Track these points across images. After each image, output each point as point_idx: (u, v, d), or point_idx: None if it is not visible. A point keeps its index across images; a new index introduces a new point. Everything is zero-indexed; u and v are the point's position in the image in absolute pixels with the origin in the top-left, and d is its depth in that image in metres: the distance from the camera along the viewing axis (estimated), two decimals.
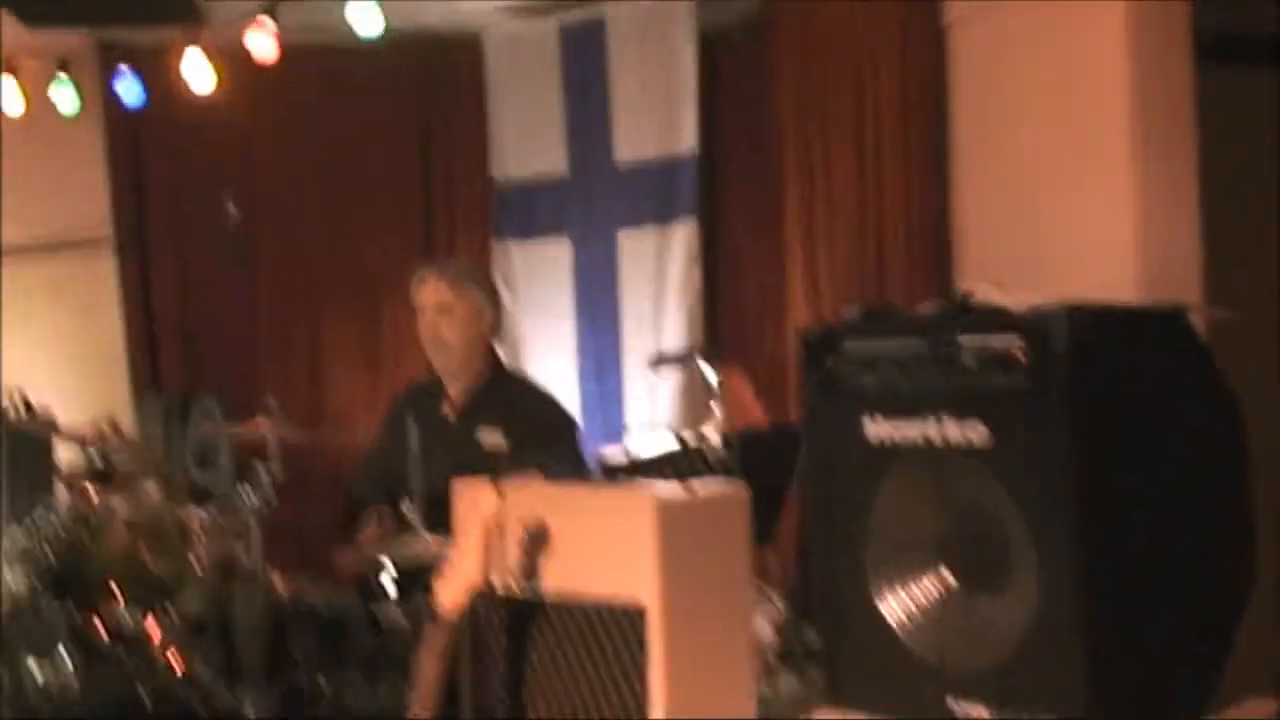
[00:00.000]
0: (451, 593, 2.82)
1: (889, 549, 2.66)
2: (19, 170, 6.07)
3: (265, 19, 4.92)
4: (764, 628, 4.49)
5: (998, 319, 2.54)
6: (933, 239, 4.22)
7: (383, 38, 5.12)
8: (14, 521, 4.54)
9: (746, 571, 2.97)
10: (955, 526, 2.56)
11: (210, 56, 5.47)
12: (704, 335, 5.52)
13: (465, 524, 2.85)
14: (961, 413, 2.52)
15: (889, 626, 2.65)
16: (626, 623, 2.79)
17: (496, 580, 2.97)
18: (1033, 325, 2.47)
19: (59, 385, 5.92)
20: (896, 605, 2.64)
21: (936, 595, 2.58)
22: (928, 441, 2.58)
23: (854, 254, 4.62)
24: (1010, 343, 2.47)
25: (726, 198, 5.83)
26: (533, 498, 2.98)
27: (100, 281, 6.07)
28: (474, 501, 2.85)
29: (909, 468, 2.63)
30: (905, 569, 2.64)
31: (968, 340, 2.53)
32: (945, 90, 4.33)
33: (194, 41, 5.33)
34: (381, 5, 5.21)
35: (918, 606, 2.62)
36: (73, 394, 5.89)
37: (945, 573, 2.58)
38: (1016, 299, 2.62)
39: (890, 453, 2.65)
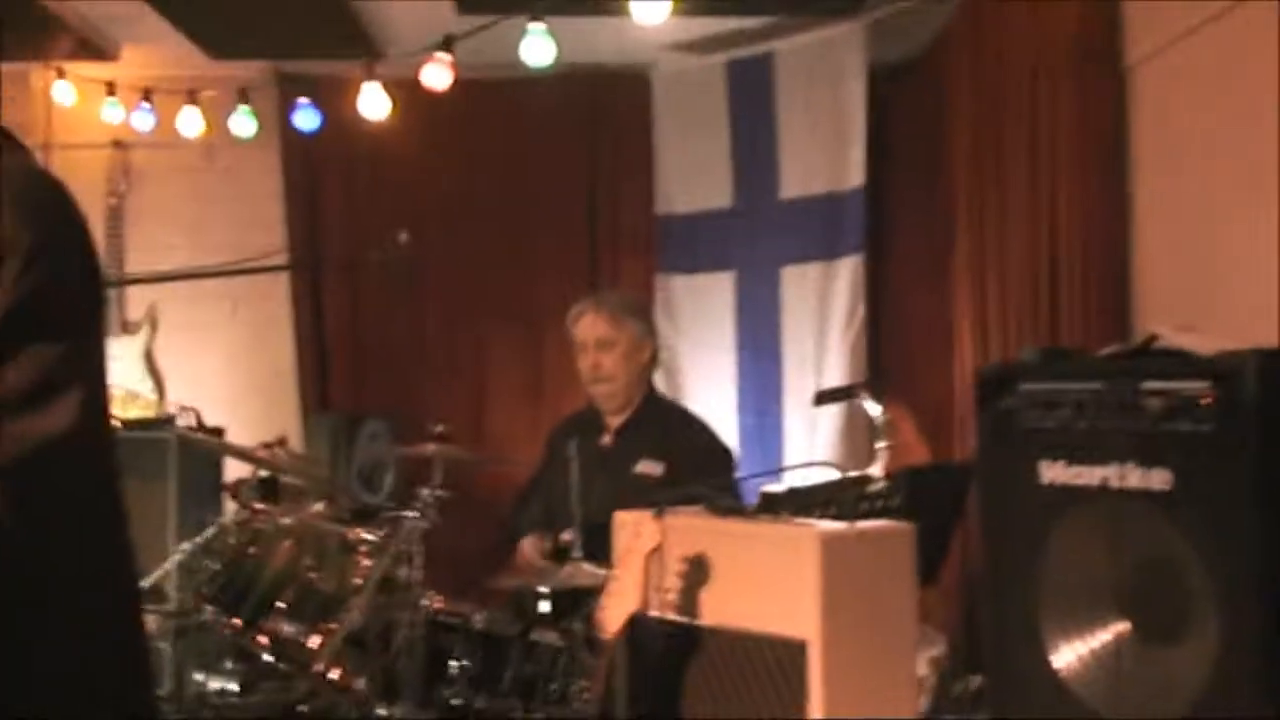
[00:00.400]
0: (611, 618, 2.82)
1: (1062, 595, 2.57)
2: (200, 195, 6.31)
3: (441, 54, 5.01)
4: (923, 670, 4.41)
5: (1184, 363, 2.45)
6: (1110, 280, 4.09)
7: (552, 69, 5.18)
8: (183, 535, 4.70)
9: (911, 610, 2.92)
10: (1133, 574, 2.47)
11: (385, 86, 5.59)
12: (867, 372, 5.45)
13: (627, 552, 2.85)
14: (1144, 458, 2.43)
15: (1060, 676, 2.55)
16: (787, 656, 2.77)
17: (656, 608, 2.98)
18: (1221, 370, 2.37)
19: (232, 403, 6.11)
20: (1069, 653, 2.55)
21: (1111, 645, 2.49)
22: (1106, 486, 2.50)
23: (1026, 293, 4.51)
24: (1198, 388, 2.38)
25: (893, 234, 5.77)
26: (694, 529, 2.98)
27: (274, 303, 6.25)
28: (637, 531, 2.85)
29: (1086, 512, 2.54)
30: (1079, 617, 2.55)
31: (1152, 385, 2.44)
32: (1125, 127, 4.21)
33: (371, 75, 5.46)
34: (554, 38, 5.29)
35: (1091, 656, 2.53)
36: (245, 412, 6.07)
37: (1121, 622, 2.48)
38: (1203, 343, 2.52)
39: (1067, 496, 2.57)
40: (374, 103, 5.50)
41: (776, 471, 5.09)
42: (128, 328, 6.20)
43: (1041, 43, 4.56)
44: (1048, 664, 2.58)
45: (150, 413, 5.94)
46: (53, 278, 1.47)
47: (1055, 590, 2.60)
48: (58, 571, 1.52)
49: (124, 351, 6.13)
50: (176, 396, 5.99)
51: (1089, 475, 2.54)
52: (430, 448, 3.69)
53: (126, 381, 6.12)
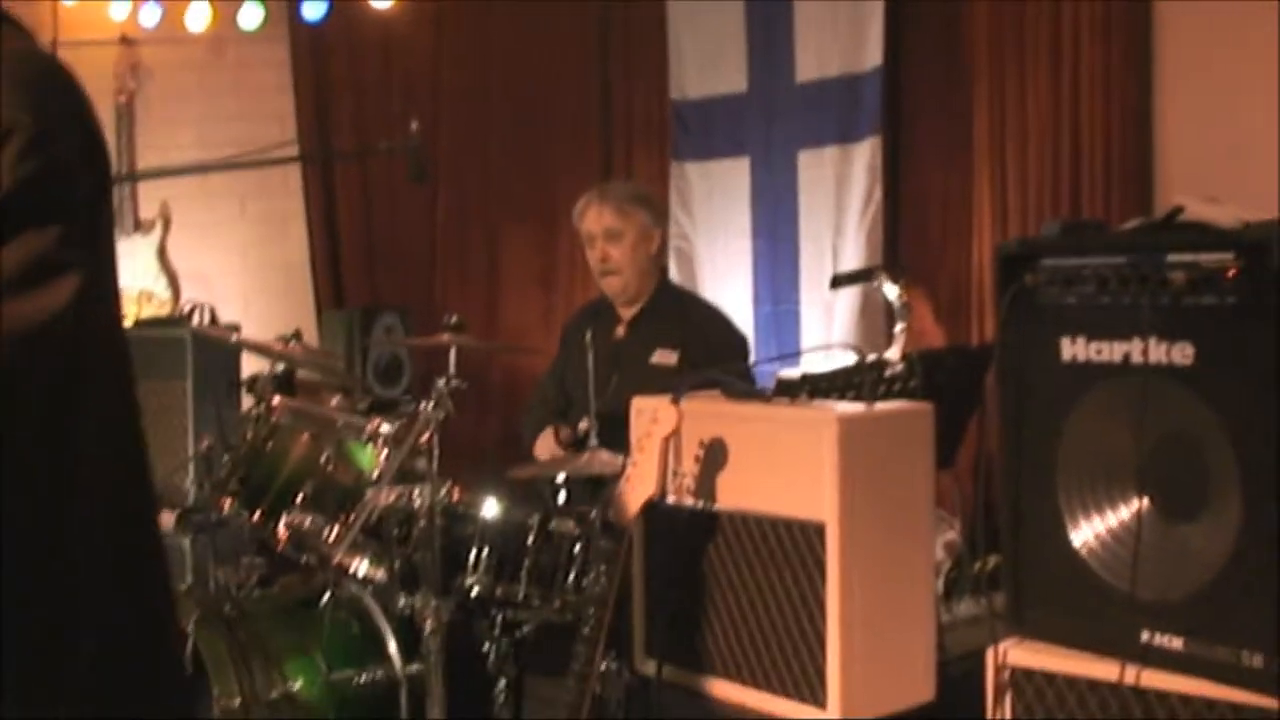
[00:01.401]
0: (628, 504, 2.81)
1: (1082, 474, 2.54)
2: (209, 91, 6.24)
3: None
4: (939, 554, 4.42)
5: (1208, 236, 2.39)
6: (1133, 154, 4.03)
7: None
8: (200, 432, 4.70)
9: (929, 491, 2.91)
10: (1154, 451, 2.43)
11: None
12: (884, 256, 5.38)
13: (644, 437, 2.83)
14: (1167, 332, 2.39)
15: (1079, 554, 2.54)
16: (804, 538, 2.76)
17: (673, 493, 2.97)
18: (1246, 242, 2.32)
19: (245, 300, 6.11)
20: (1088, 532, 2.53)
21: (1131, 522, 2.47)
22: (1128, 362, 2.45)
23: (1047, 171, 4.45)
24: (1222, 260, 2.32)
25: (911, 115, 5.65)
26: (710, 414, 2.96)
27: (286, 198, 6.20)
28: (654, 416, 2.83)
29: (1107, 389, 2.50)
30: (1099, 495, 2.52)
31: (1175, 258, 2.39)
32: (1149, 4, 4.12)
33: None
34: None
35: (1111, 534, 2.50)
36: (258, 308, 6.07)
37: (1142, 498, 2.46)
38: (1227, 215, 2.46)
39: (1088, 373, 2.53)
40: None
41: (792, 355, 5.08)
42: (140, 226, 6.17)
43: None
44: (1066, 542, 2.56)
45: (165, 311, 5.93)
46: (52, 161, 1.47)
47: (1074, 468, 2.57)
48: (46, 452, 1.53)
49: (137, 250, 6.10)
50: (190, 294, 5.97)
51: (1110, 351, 2.50)
52: (444, 338, 3.66)
53: (141, 280, 6.10)
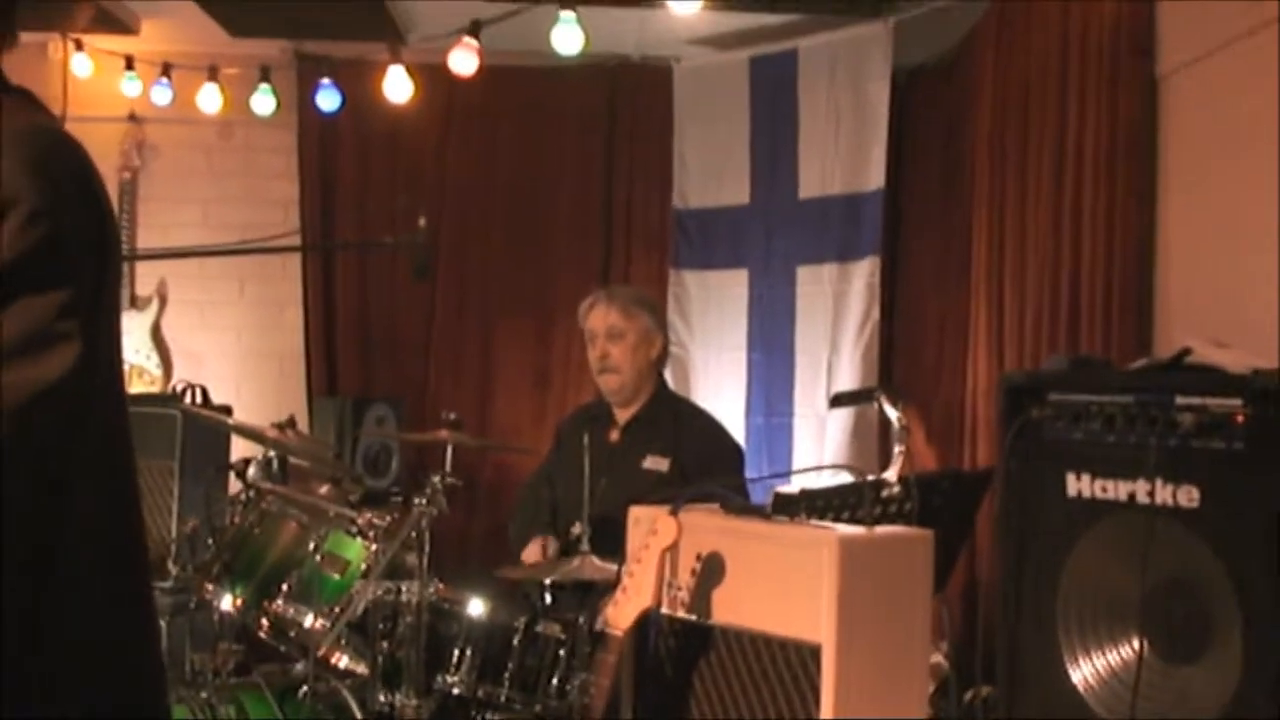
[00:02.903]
0: (623, 613, 2.78)
1: (1083, 609, 2.54)
2: (214, 173, 6.27)
3: (469, 39, 4.98)
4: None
5: (1217, 380, 2.42)
6: (1133, 290, 4.05)
7: (580, 57, 5.16)
8: (186, 513, 4.66)
9: (925, 617, 2.88)
10: (1156, 591, 2.43)
11: (408, 71, 5.56)
12: (879, 377, 5.41)
13: (643, 548, 2.81)
14: (1173, 474, 2.40)
15: (1078, 691, 2.52)
16: (799, 659, 2.72)
17: (667, 606, 2.94)
18: (1255, 389, 2.34)
19: (237, 383, 6.09)
20: (1088, 669, 2.52)
21: (1132, 661, 2.45)
22: (1134, 501, 2.46)
23: (1045, 302, 4.47)
24: (1231, 406, 2.34)
25: (911, 238, 5.72)
26: (708, 527, 2.94)
27: (284, 284, 6.20)
28: (654, 527, 2.81)
29: (1112, 526, 2.51)
30: (1100, 632, 2.52)
31: (1184, 400, 2.41)
32: (1155, 136, 4.17)
33: (396, 57, 5.43)
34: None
35: (1111, 672, 2.49)
36: (250, 392, 6.05)
37: (1143, 638, 2.45)
38: (1235, 360, 2.49)
39: (1093, 510, 2.53)
40: (398, 86, 5.47)
41: (788, 474, 5.07)
42: (137, 303, 6.17)
43: (1070, 49, 4.52)
44: (1065, 678, 2.55)
45: (156, 388, 5.91)
46: (54, 233, 1.50)
47: (1075, 604, 2.57)
48: (43, 522, 1.54)
49: (132, 326, 6.09)
50: (183, 374, 5.96)
51: (1116, 489, 2.51)
52: (442, 434, 3.65)
53: (134, 357, 6.08)
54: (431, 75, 5.64)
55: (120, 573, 1.73)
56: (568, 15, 4.81)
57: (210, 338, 6.23)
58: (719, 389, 5.80)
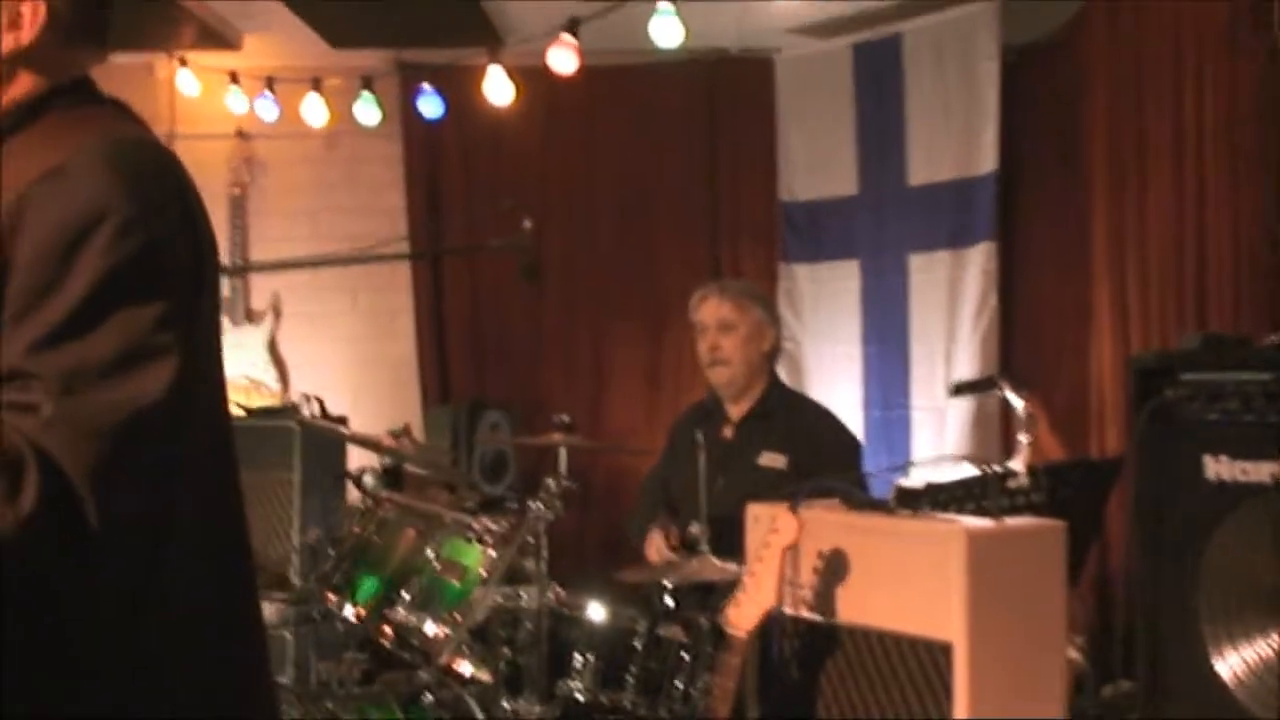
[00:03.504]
0: (745, 614, 2.72)
1: (1227, 598, 2.43)
2: (322, 185, 6.33)
3: (567, 36, 4.95)
4: None
5: None
6: (1263, 265, 3.89)
7: (681, 51, 5.11)
8: (306, 523, 4.69)
9: (1061, 611, 2.78)
10: None
11: (508, 74, 5.55)
12: (998, 364, 5.27)
13: (763, 547, 2.75)
14: None
15: (1224, 684, 2.41)
16: (930, 658, 2.64)
17: (790, 605, 2.87)
18: None
19: (353, 393, 6.13)
20: (1235, 660, 2.40)
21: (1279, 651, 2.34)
22: (1276, 482, 2.34)
23: (1170, 280, 4.32)
24: None
25: (1027, 220, 5.57)
26: (829, 523, 2.87)
27: (395, 293, 6.24)
28: (774, 525, 2.75)
29: (1252, 510, 2.40)
30: (1246, 621, 2.40)
31: None
32: (1277, 108, 4.00)
33: (496, 60, 5.42)
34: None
35: (1260, 663, 2.37)
36: (365, 402, 6.08)
37: None
38: None
39: (1231, 493, 2.42)
40: (499, 88, 5.46)
41: (907, 466, 4.96)
42: (251, 317, 6.24)
43: (1185, 20, 4.37)
44: (1210, 669, 2.44)
45: (274, 402, 5.97)
46: (147, 244, 1.48)
47: (1218, 592, 2.46)
48: (148, 539, 1.52)
49: (247, 341, 6.17)
50: (300, 386, 6.01)
51: (1256, 471, 2.39)
52: (555, 438, 3.62)
53: (251, 371, 6.16)
54: (532, 77, 5.62)
55: (227, 588, 1.73)
56: (665, 7, 4.75)
57: (325, 349, 6.29)
58: (834, 383, 5.71)
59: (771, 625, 2.84)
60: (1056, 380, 5.35)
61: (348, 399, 6.01)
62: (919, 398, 5.45)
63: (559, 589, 3.71)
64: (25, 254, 1.43)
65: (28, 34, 1.59)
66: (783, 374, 5.67)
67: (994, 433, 5.21)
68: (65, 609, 1.47)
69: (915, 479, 3.47)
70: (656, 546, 4.09)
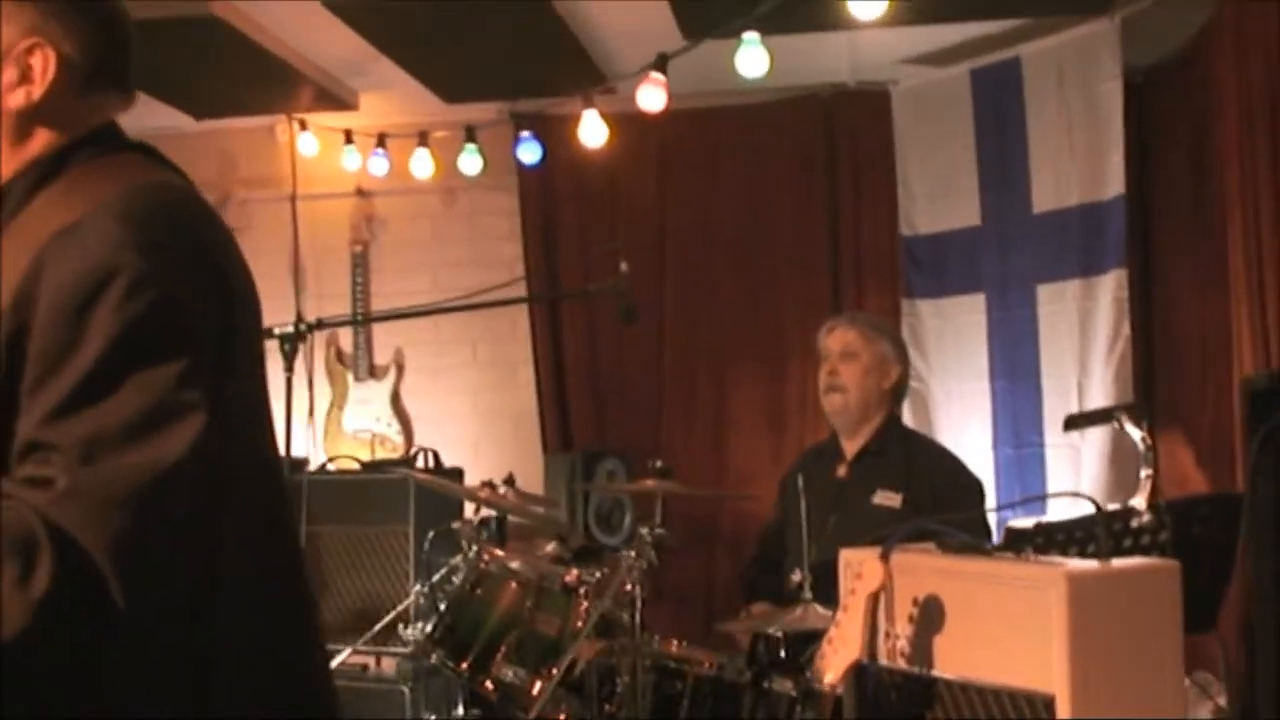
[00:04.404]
0: (833, 666, 2.57)
1: None
2: (441, 239, 6.37)
3: (656, 75, 4.89)
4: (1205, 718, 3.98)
5: None
6: None
7: (796, 88, 5.00)
8: (422, 577, 4.67)
9: (1177, 660, 2.57)
10: None
11: (620, 118, 5.50)
12: (1136, 395, 5.01)
13: (849, 594, 2.60)
14: None
15: None
16: (1031, 711, 2.46)
17: (885, 656, 2.71)
18: None
19: (475, 442, 6.13)
20: None
21: None
22: None
23: None
24: None
25: (1159, 245, 5.31)
26: (925, 568, 2.71)
27: (515, 343, 6.23)
28: (858, 572, 2.60)
29: None
30: None
31: None
32: None
33: (589, 103, 5.39)
34: (787, 61, 5.11)
35: None
36: (487, 452, 6.08)
37: None
38: None
39: None
40: (593, 131, 5.42)
41: (1020, 503, 4.74)
42: (375, 372, 6.29)
43: None
44: None
45: (397, 454, 5.99)
46: (163, 299, 1.40)
47: None
48: (181, 605, 1.45)
49: (372, 396, 6.22)
50: (422, 439, 6.03)
51: None
52: (650, 483, 3.52)
53: (375, 425, 6.20)
54: (646, 123, 5.57)
55: (285, 635, 1.66)
56: (750, 37, 4.64)
57: (447, 402, 6.30)
58: (963, 421, 5.50)
59: (866, 678, 2.68)
60: (1200, 412, 5.08)
61: (469, 450, 6.00)
62: (1052, 434, 5.20)
63: (668, 640, 3.60)
64: (41, 317, 1.39)
65: (39, 88, 1.55)
66: (909, 412, 5.52)
67: (1133, 469, 4.93)
68: (109, 683, 1.41)
69: (1026, 519, 3.29)
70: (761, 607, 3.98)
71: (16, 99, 1.54)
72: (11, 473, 1.37)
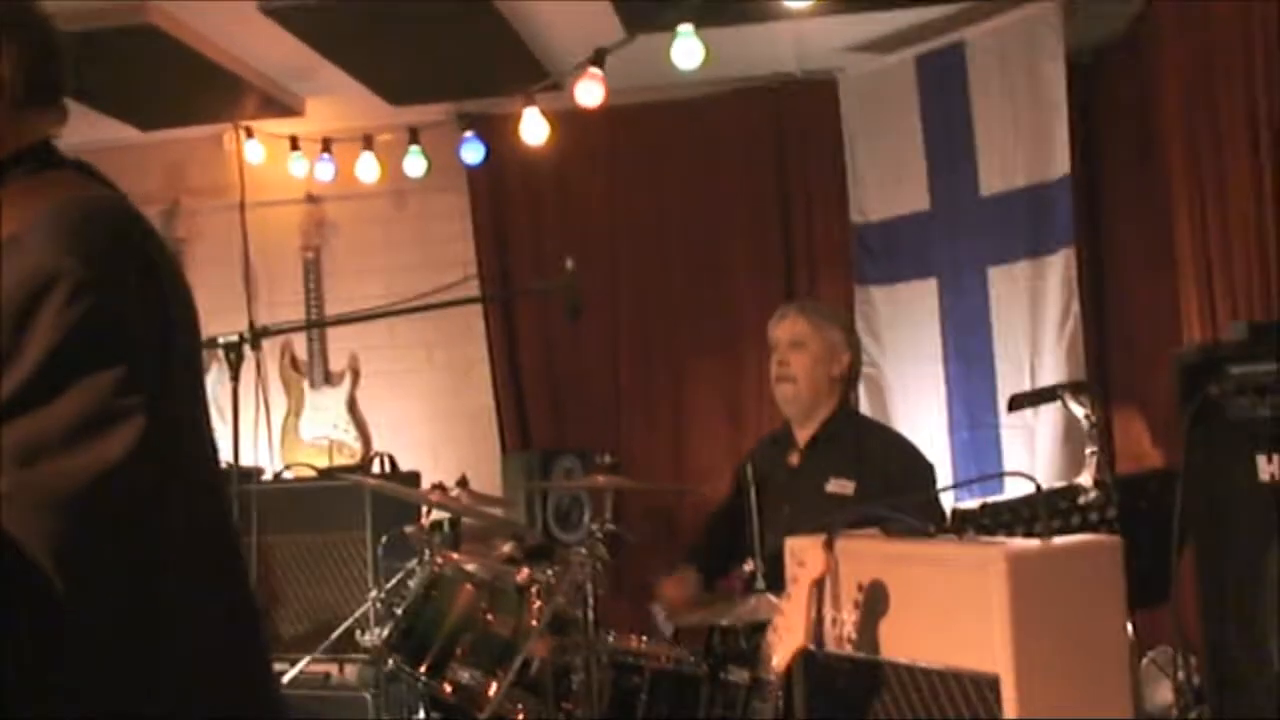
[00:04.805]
0: (779, 653, 2.57)
1: None
2: (393, 243, 6.34)
3: (594, 70, 4.88)
4: (1168, 696, 3.99)
5: None
6: None
7: (742, 79, 4.99)
8: (378, 580, 4.64)
9: (1120, 635, 2.58)
10: None
11: (564, 118, 5.49)
12: (1088, 373, 5.02)
13: (791, 582, 2.60)
14: None
15: None
16: (976, 692, 2.47)
17: (832, 642, 2.71)
18: None
19: (433, 445, 6.10)
20: None
21: None
22: None
23: (1256, 274, 4.08)
24: None
25: (1109, 224, 5.33)
26: (869, 553, 2.71)
27: (470, 344, 6.21)
28: (800, 559, 2.60)
29: None
30: None
31: None
32: None
33: (530, 101, 5.38)
34: (732, 53, 5.10)
35: None
36: (448, 454, 6.05)
37: None
38: None
39: None
40: (534, 129, 5.41)
41: (964, 484, 4.74)
42: (330, 379, 6.25)
43: (1253, 10, 4.14)
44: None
45: (355, 461, 5.96)
46: (101, 305, 1.43)
47: None
48: (112, 608, 1.44)
49: (327, 402, 6.19)
50: (381, 444, 6.00)
51: None
52: (600, 479, 3.51)
53: (332, 432, 6.17)
54: (593, 119, 5.56)
55: (231, 650, 1.65)
56: (684, 28, 4.64)
57: (404, 405, 6.27)
58: (918, 405, 5.50)
59: (813, 665, 2.68)
60: (1153, 388, 5.10)
61: (429, 453, 5.98)
62: (1006, 415, 5.21)
63: (627, 636, 3.59)
64: None
65: None
66: (865, 399, 5.53)
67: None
68: (55, 684, 1.41)
69: (991, 497, 3.30)
70: (670, 592, 3.97)
71: None
72: None
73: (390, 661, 3.74)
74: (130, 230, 1.55)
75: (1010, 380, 5.20)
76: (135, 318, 1.47)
